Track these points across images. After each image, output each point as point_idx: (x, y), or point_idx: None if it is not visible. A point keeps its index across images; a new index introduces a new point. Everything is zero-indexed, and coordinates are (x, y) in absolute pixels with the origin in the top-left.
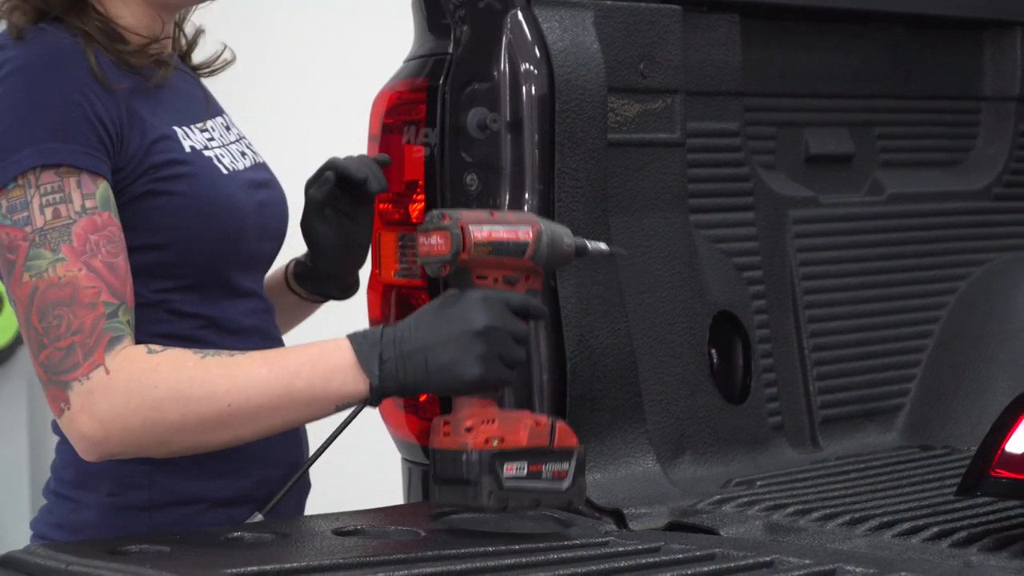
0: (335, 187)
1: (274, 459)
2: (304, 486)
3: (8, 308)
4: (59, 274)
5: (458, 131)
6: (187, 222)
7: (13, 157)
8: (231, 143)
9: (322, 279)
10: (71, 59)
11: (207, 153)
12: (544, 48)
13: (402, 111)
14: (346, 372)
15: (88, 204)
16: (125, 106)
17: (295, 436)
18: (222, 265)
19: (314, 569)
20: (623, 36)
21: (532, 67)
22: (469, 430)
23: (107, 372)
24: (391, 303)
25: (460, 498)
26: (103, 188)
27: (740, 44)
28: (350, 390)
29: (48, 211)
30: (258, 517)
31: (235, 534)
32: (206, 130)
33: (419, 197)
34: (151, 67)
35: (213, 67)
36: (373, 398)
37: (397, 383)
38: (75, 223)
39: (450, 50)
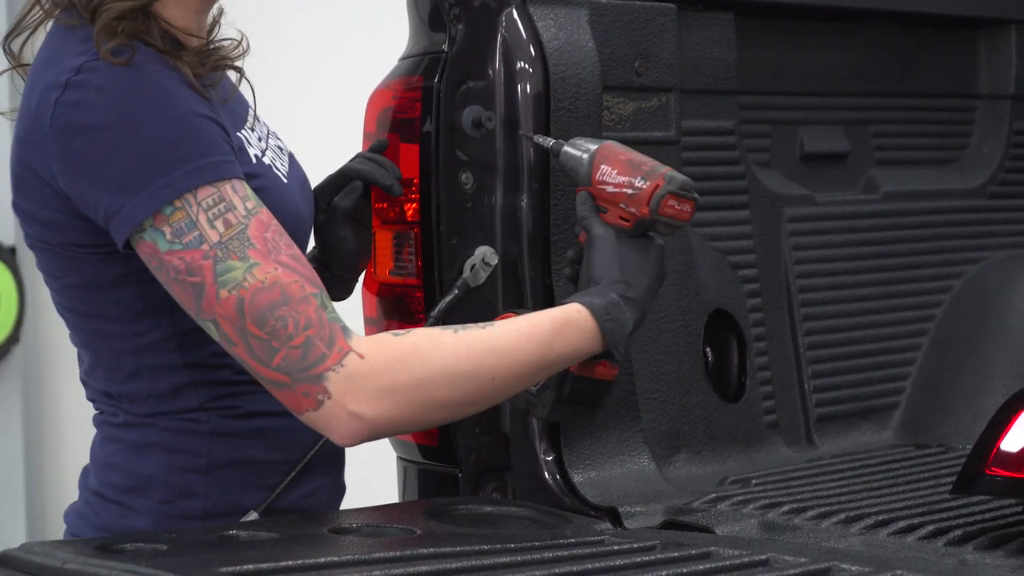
0: (361, 196)
1: (322, 470)
2: (341, 491)
3: (5, 303)
4: (260, 279)
5: (453, 129)
6: None
7: (161, 180)
8: (268, 139)
9: (330, 283)
10: (172, 73)
11: (266, 160)
12: (539, 46)
13: (397, 109)
14: (591, 342)
15: (249, 205)
16: (217, 114)
17: (338, 448)
18: None
19: (309, 567)
20: (618, 34)
21: (527, 65)
22: None
23: (361, 356)
24: (387, 302)
25: None
26: (248, 186)
27: (735, 42)
28: (592, 353)
29: (219, 223)
30: (253, 515)
31: (231, 532)
32: (254, 130)
33: (414, 196)
34: (211, 74)
35: (235, 57)
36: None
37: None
38: (247, 227)
39: (445, 48)
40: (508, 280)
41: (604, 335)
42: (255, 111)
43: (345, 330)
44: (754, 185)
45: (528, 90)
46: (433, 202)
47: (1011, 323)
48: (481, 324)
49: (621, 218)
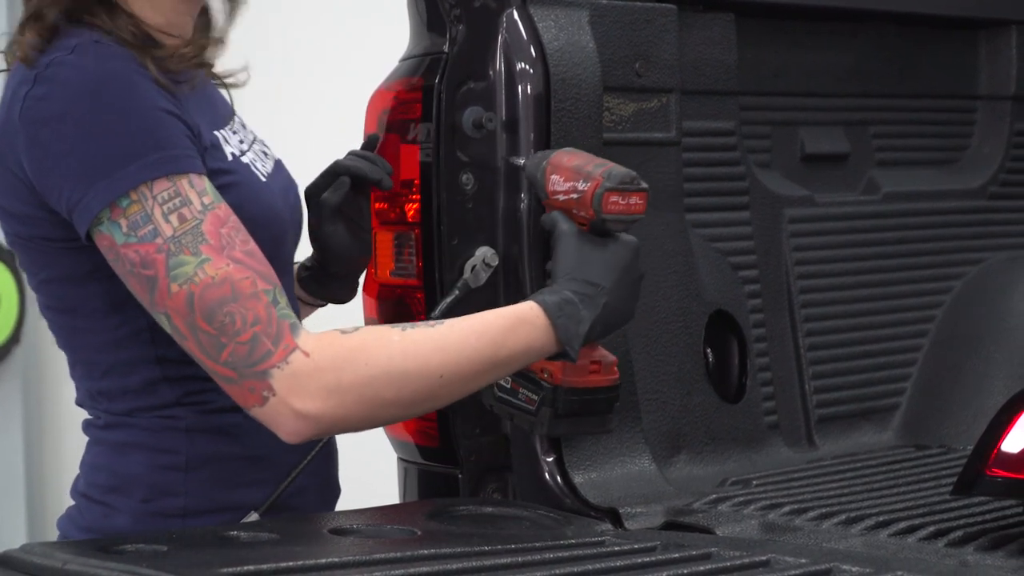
0: (350, 191)
1: (309, 468)
2: (334, 491)
3: (5, 304)
4: (211, 274)
5: (454, 130)
6: None
7: (119, 172)
8: (253, 143)
9: (330, 283)
10: (139, 68)
11: (244, 160)
12: (540, 47)
13: (398, 110)
14: (544, 340)
15: (206, 200)
16: (185, 110)
17: (327, 447)
18: None
19: (310, 568)
20: (619, 35)
21: (528, 66)
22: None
23: (306, 354)
24: (388, 303)
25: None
26: (208, 182)
27: (736, 43)
28: (545, 351)
29: (173, 218)
30: (254, 516)
31: (231, 533)
32: (236, 132)
33: (415, 197)
34: (188, 71)
35: (228, 80)
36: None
37: (585, 340)
38: (202, 222)
39: (446, 49)
40: (509, 281)
41: (557, 333)
42: (240, 119)
43: (294, 327)
44: (755, 186)
45: (529, 91)
46: (434, 203)
47: (1011, 324)
48: (431, 322)
49: (579, 222)
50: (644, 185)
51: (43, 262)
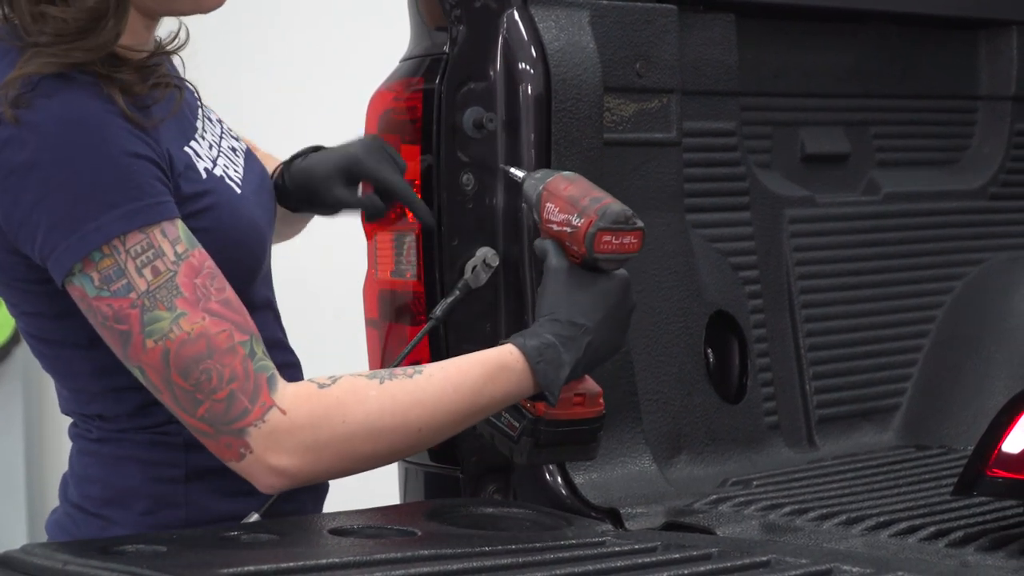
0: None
1: None
2: (322, 488)
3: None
4: (186, 330)
5: (454, 130)
6: (216, 256)
7: (91, 225)
8: (220, 139)
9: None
10: (106, 106)
11: (217, 171)
12: (540, 47)
13: (398, 111)
14: (523, 384)
15: (179, 249)
16: (156, 141)
17: None
18: (246, 286)
19: (310, 569)
20: (619, 35)
21: (528, 66)
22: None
23: (283, 412)
24: (388, 304)
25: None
26: (181, 226)
27: (736, 43)
28: (525, 394)
29: (147, 271)
30: (254, 517)
31: (231, 534)
32: (204, 136)
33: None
34: (153, 91)
35: (171, 48)
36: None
37: (584, 371)
38: (176, 274)
39: (446, 49)
40: (509, 281)
41: (536, 378)
42: (205, 111)
43: (271, 380)
44: (755, 186)
45: (529, 91)
46: (434, 203)
47: (1012, 324)
48: (410, 370)
49: (570, 255)
50: (639, 224)
51: (23, 299)
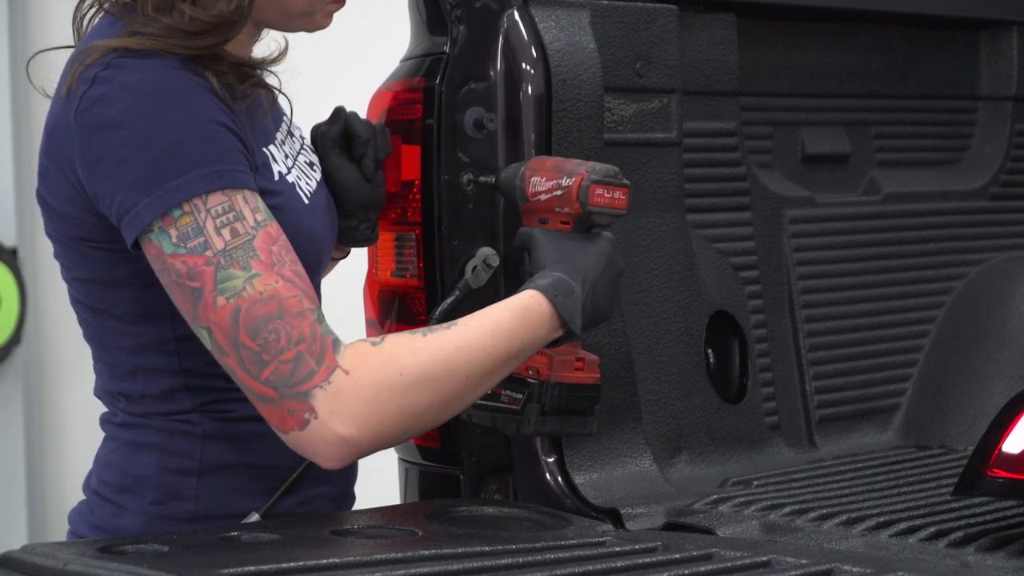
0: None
1: (323, 476)
2: (350, 502)
3: (6, 304)
4: (259, 290)
5: (454, 130)
6: None
7: (173, 183)
8: (299, 153)
9: (347, 222)
10: (198, 79)
11: (290, 179)
12: (540, 47)
13: (398, 111)
14: (549, 324)
15: (259, 217)
16: (241, 126)
17: None
18: None
19: (311, 569)
20: (619, 36)
21: (528, 67)
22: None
23: (346, 373)
24: (388, 304)
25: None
26: (260, 200)
27: (736, 44)
28: (551, 336)
29: (226, 231)
30: (255, 517)
31: (232, 534)
32: (284, 143)
33: (416, 197)
34: (248, 88)
35: (275, 61)
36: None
37: (583, 327)
38: (254, 238)
39: (447, 49)
40: (509, 282)
41: (559, 312)
42: (289, 126)
43: (336, 343)
44: (755, 186)
45: (529, 91)
46: (435, 203)
47: (1012, 324)
48: (444, 324)
49: (561, 222)
50: (626, 181)
51: (80, 261)
